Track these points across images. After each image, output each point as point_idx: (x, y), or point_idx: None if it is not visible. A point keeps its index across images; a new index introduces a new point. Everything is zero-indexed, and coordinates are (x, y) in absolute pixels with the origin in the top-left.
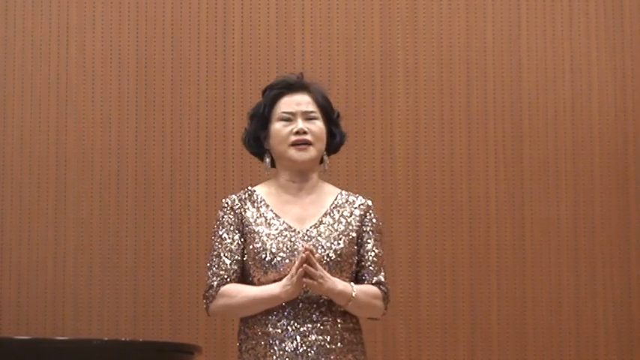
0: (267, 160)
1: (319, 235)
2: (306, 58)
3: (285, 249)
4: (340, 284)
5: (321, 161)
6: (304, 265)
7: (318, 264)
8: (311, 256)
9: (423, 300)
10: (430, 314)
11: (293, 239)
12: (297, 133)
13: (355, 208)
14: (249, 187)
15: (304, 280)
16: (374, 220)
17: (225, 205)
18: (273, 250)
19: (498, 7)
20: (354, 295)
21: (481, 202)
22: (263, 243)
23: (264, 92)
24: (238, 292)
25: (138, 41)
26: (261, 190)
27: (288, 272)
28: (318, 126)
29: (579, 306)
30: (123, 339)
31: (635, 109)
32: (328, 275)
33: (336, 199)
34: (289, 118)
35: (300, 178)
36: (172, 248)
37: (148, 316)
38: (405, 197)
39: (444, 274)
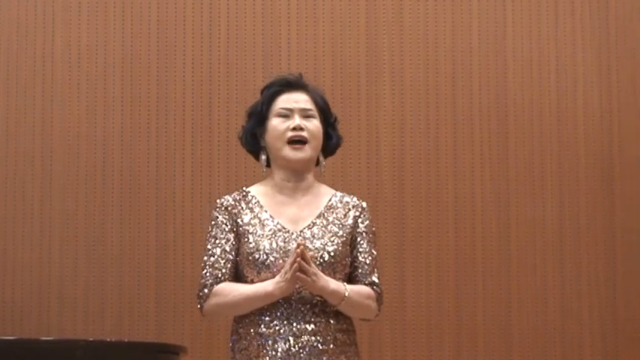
0: (263, 157)
1: (313, 236)
2: (291, 57)
3: (278, 249)
4: (333, 283)
5: (317, 163)
6: (298, 259)
7: (311, 261)
8: (305, 251)
9: (408, 301)
10: (416, 315)
11: (286, 240)
12: (294, 129)
13: (349, 209)
14: (244, 188)
15: (298, 274)
16: (367, 222)
17: (220, 205)
18: (267, 251)
19: (484, 7)
20: (346, 294)
21: (467, 203)
22: (256, 243)
23: (262, 90)
24: (231, 290)
25: (124, 36)
26: (255, 191)
27: None
28: (315, 124)
29: (564, 306)
30: (108, 339)
31: (621, 109)
32: (321, 274)
33: (330, 200)
34: (287, 114)
35: (296, 178)
36: (158, 245)
37: (133, 315)
38: (390, 197)
39: (430, 275)
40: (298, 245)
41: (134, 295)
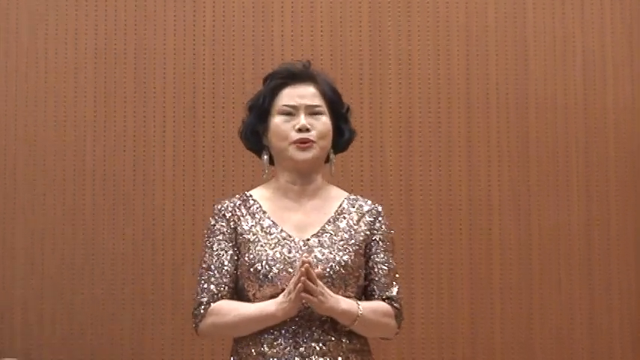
0: (265, 157)
1: (321, 245)
2: (285, 45)
3: (282, 260)
4: (344, 302)
5: (327, 160)
6: (302, 279)
7: (318, 279)
8: (310, 269)
9: (417, 317)
10: (425, 332)
11: (291, 250)
12: (300, 130)
13: (363, 214)
14: (245, 192)
15: (303, 295)
16: (384, 228)
17: (217, 211)
18: (269, 262)
19: None
20: (360, 313)
21: (482, 207)
22: (257, 254)
23: (264, 81)
24: (230, 309)
25: (97, 25)
26: (257, 195)
27: (286, 286)
28: (323, 122)
29: (593, 322)
30: None
31: None
32: (330, 292)
33: (341, 205)
34: (291, 112)
35: (302, 180)
36: (135, 257)
37: (109, 328)
38: (397, 202)
39: (441, 289)
40: (303, 263)
41: (107, 309)
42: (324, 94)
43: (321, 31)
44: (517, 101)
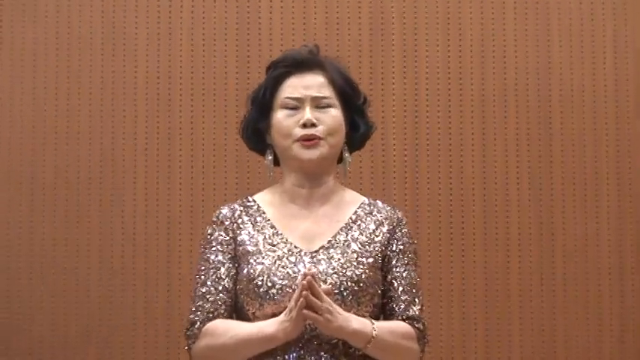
0: (269, 157)
1: (331, 257)
2: (274, 27)
3: (286, 275)
4: (355, 321)
5: (340, 160)
6: (304, 293)
7: (323, 294)
8: (313, 282)
9: None
10: (434, 356)
11: (297, 263)
12: (304, 125)
13: (381, 221)
14: (248, 197)
15: (305, 314)
16: (405, 239)
17: (215, 218)
18: (271, 277)
19: None
20: (374, 334)
21: (499, 215)
22: (259, 267)
23: (267, 70)
24: (226, 330)
25: (58, 16)
26: (261, 200)
27: None
28: (333, 115)
29: (624, 341)
30: None
31: None
32: (339, 309)
33: (357, 211)
34: (295, 105)
35: (311, 182)
36: (102, 272)
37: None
38: (401, 209)
39: (452, 307)
40: (305, 275)
41: (70, 332)
42: (333, 84)
43: (315, 12)
44: (539, 95)
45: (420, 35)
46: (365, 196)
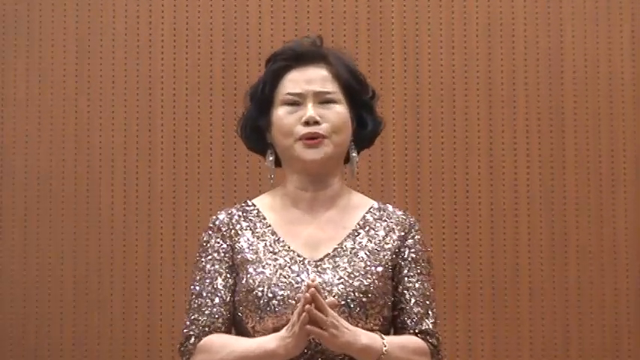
0: (270, 158)
1: (337, 266)
2: (263, 18)
3: (288, 286)
4: (364, 336)
5: (347, 160)
6: (307, 307)
7: (328, 307)
8: (317, 294)
9: None
10: None
11: (300, 272)
12: (307, 123)
13: (392, 227)
14: (247, 200)
15: (309, 329)
16: (418, 246)
17: (212, 224)
18: (272, 288)
19: None
20: (385, 350)
21: (507, 219)
22: (258, 277)
23: (266, 64)
24: (223, 345)
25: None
26: (261, 204)
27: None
28: (338, 112)
29: None
30: None
31: None
32: (345, 323)
33: (365, 216)
34: (296, 101)
35: (315, 185)
36: (76, 281)
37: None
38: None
39: (456, 319)
40: (308, 287)
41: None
42: (338, 78)
43: (308, 13)
44: (550, 84)
45: (422, 22)
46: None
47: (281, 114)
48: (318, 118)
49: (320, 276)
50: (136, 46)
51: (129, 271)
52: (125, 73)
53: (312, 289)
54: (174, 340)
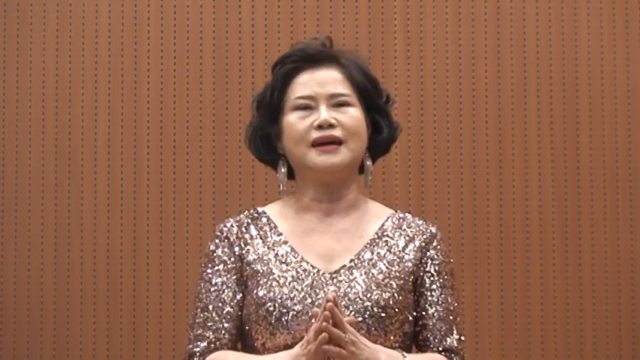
0: (282, 170)
1: (354, 279)
2: (257, 16)
3: (301, 300)
4: (384, 354)
5: (361, 170)
6: (324, 325)
7: (347, 324)
8: (335, 310)
9: None
10: None
11: (315, 286)
12: (320, 127)
13: (412, 237)
14: (256, 208)
15: (326, 348)
16: (441, 256)
17: (219, 233)
18: (285, 302)
19: None
20: None
21: (517, 229)
22: (270, 291)
23: (273, 68)
24: None
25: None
26: (272, 212)
27: (306, 334)
28: (353, 115)
29: None
30: None
31: None
32: (364, 340)
33: (384, 225)
34: (308, 105)
35: (330, 195)
36: (57, 295)
37: None
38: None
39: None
40: (327, 302)
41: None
42: (352, 80)
43: (305, 10)
44: (564, 89)
45: (426, 21)
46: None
47: (292, 120)
48: (332, 121)
49: (337, 290)
50: (120, 49)
51: (113, 279)
52: (109, 78)
53: (330, 303)
54: (163, 352)
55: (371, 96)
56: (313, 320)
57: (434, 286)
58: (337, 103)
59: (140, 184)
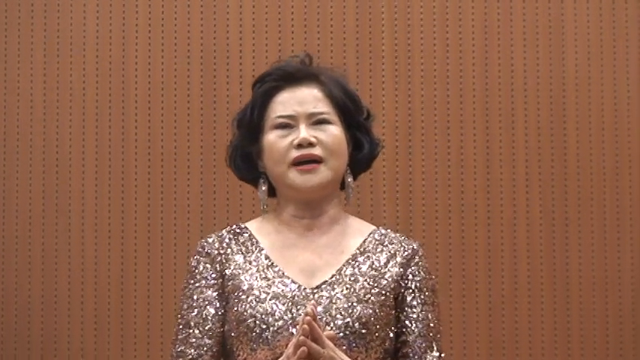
0: (263, 188)
1: (335, 295)
2: (244, 34)
3: (283, 316)
4: None
5: (343, 186)
6: (302, 339)
7: (326, 339)
8: (314, 324)
9: None
10: None
11: (296, 301)
12: (300, 146)
13: (393, 253)
14: (239, 224)
15: None
16: (423, 273)
17: (200, 248)
18: (265, 318)
19: None
20: None
21: (505, 246)
22: (250, 306)
23: (253, 86)
24: None
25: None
26: (254, 228)
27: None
28: (333, 133)
29: None
30: None
31: None
32: (343, 356)
33: (365, 241)
34: (288, 124)
35: (311, 212)
36: (45, 307)
37: None
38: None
39: (451, 345)
40: (305, 316)
41: None
42: (331, 97)
43: (292, 20)
44: (552, 104)
45: (414, 39)
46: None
47: (272, 139)
48: (312, 140)
49: (317, 305)
50: (108, 62)
51: (101, 291)
52: (97, 91)
53: (309, 318)
54: (150, 353)
55: (351, 113)
56: (294, 336)
57: (414, 303)
58: (317, 121)
59: (128, 189)
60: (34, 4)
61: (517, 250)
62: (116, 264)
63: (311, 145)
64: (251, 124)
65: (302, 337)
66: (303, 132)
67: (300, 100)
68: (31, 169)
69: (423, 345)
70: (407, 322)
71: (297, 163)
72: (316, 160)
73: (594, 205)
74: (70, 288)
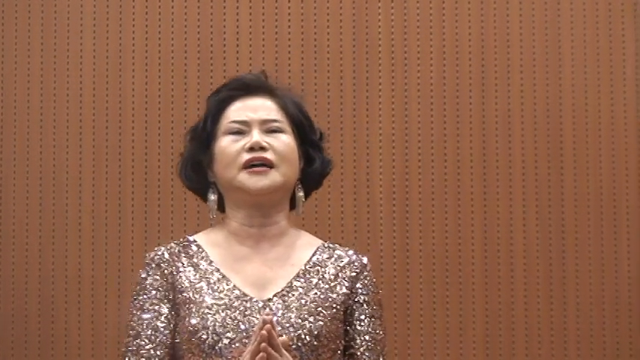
0: (212, 197)
1: (287, 307)
2: (242, 29)
3: (234, 328)
4: None
5: (292, 202)
6: (263, 346)
7: (282, 348)
8: (273, 332)
9: None
10: None
11: (247, 313)
12: (252, 149)
13: (342, 267)
14: (187, 236)
15: None
16: (371, 287)
17: (149, 261)
18: (217, 330)
19: None
20: None
21: (502, 263)
22: (202, 318)
23: (209, 98)
24: None
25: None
26: (203, 240)
27: None
28: (285, 141)
29: None
30: None
31: None
32: None
33: (315, 255)
34: (241, 129)
35: (261, 220)
36: (41, 308)
37: None
38: (388, 255)
39: (448, 348)
40: (264, 322)
41: None
42: (285, 110)
43: (289, 26)
44: (548, 105)
45: (411, 48)
46: (346, 240)
47: (224, 144)
48: (264, 144)
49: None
50: (105, 65)
51: (98, 291)
52: (93, 97)
53: (268, 325)
54: None
55: (305, 129)
56: (251, 343)
57: (362, 316)
58: (270, 129)
59: (125, 190)
60: (31, 5)
61: (513, 250)
62: (113, 264)
63: (263, 149)
64: (204, 132)
65: (263, 344)
66: (256, 136)
67: (254, 107)
68: (28, 170)
69: (371, 358)
70: (355, 335)
71: (249, 166)
72: (267, 164)
73: (591, 207)
74: (67, 288)
